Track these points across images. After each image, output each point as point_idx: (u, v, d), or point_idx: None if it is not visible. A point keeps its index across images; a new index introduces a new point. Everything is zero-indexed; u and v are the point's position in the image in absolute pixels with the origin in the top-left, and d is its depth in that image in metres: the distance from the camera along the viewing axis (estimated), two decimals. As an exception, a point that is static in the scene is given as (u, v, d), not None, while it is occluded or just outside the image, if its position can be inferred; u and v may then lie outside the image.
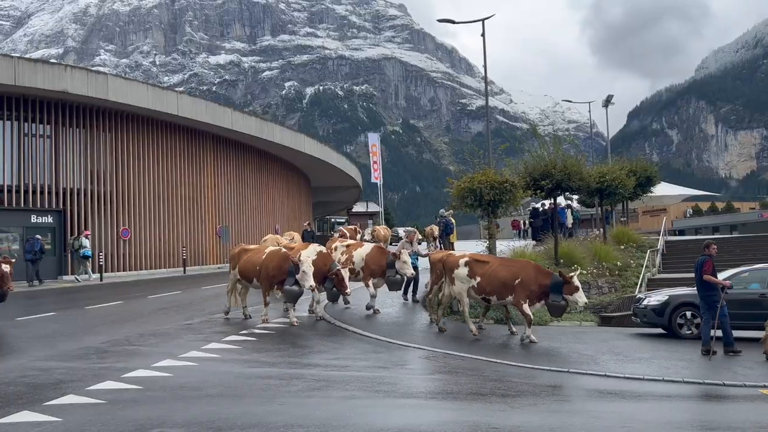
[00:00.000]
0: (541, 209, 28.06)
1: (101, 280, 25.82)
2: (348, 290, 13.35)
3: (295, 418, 6.62)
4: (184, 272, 30.38)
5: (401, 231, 31.79)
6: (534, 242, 25.12)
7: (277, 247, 14.04)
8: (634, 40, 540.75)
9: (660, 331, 14.00)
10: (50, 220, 27.31)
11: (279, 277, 12.76)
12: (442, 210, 25.27)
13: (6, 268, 11.15)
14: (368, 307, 14.60)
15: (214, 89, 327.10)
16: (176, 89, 46.95)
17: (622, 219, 34.89)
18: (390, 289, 14.87)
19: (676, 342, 13.01)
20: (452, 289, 12.65)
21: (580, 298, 11.75)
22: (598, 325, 16.46)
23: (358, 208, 77.62)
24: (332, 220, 47.22)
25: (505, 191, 16.53)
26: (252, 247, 14.84)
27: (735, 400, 8.70)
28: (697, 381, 9.47)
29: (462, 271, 12.41)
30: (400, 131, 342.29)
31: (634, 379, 9.49)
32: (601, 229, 27.70)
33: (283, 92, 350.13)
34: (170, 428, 6.19)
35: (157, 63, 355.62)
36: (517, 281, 11.91)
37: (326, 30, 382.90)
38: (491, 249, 17.58)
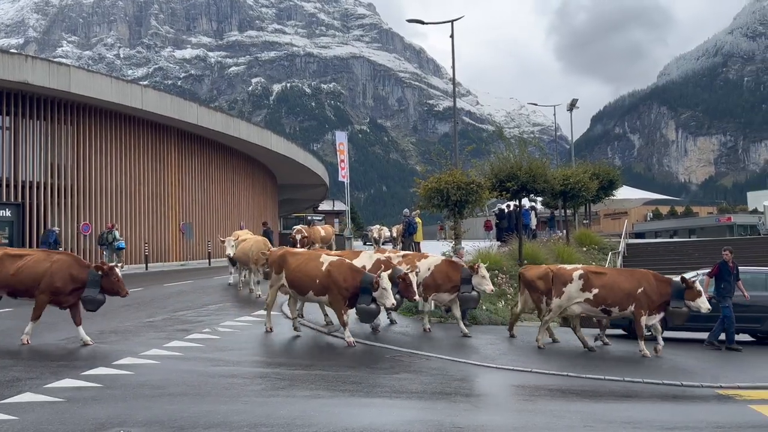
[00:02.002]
0: (507, 210, 28.36)
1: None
2: (416, 297, 12.01)
3: (258, 418, 6.57)
4: (146, 269, 29.92)
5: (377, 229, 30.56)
6: (499, 243, 25.40)
7: (337, 256, 12.39)
8: (599, 46, 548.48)
9: (620, 332, 14.26)
10: (8, 213, 26.63)
11: (352, 291, 11.22)
12: (406, 210, 25.40)
13: (119, 271, 10.49)
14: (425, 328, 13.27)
15: (179, 84, 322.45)
16: (141, 83, 46.23)
17: (584, 222, 35.42)
18: (463, 307, 13.58)
19: (636, 343, 13.23)
20: (557, 302, 12.07)
21: (703, 303, 11.38)
22: (560, 326, 16.66)
23: (325, 206, 77.39)
24: (309, 218, 46.77)
25: (471, 192, 16.76)
26: (299, 251, 13.16)
27: (692, 401, 8.90)
28: (656, 381, 9.66)
29: (575, 285, 11.95)
30: (368, 130, 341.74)
31: (596, 379, 9.64)
32: (564, 231, 28.12)
33: (250, 88, 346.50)
34: (131, 427, 6.09)
35: (122, 56, 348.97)
36: (639, 291, 11.63)
37: (294, 27, 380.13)
38: (456, 249, 17.68)
